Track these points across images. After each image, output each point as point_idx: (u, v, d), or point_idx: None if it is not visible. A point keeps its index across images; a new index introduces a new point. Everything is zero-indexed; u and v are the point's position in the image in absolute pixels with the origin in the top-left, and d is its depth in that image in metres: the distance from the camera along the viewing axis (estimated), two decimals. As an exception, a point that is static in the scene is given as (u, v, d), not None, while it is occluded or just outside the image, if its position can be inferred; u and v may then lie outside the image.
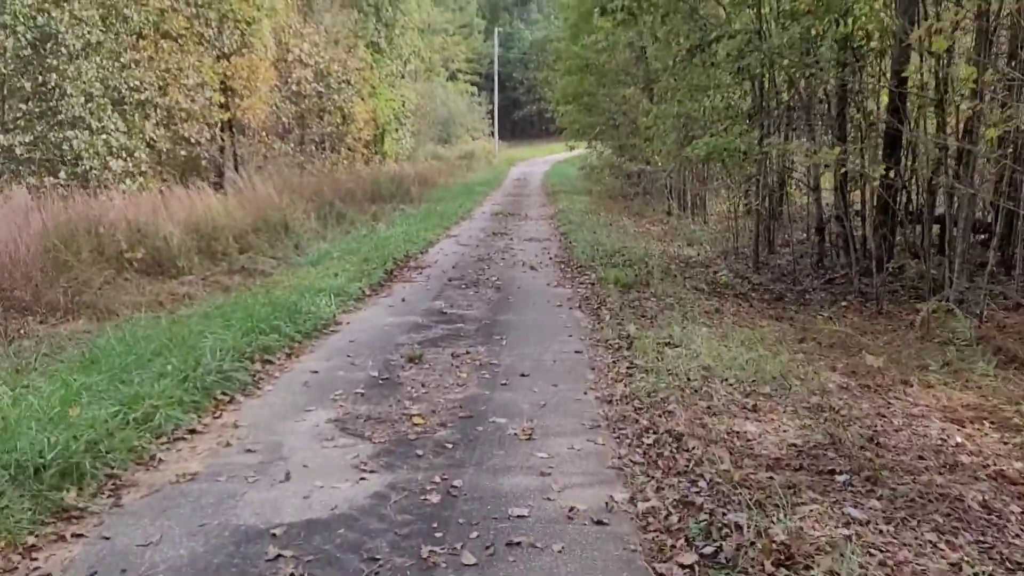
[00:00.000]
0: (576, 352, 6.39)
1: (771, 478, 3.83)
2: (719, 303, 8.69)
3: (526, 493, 3.73)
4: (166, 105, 16.03)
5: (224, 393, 5.13)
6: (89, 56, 13.78)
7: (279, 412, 4.92)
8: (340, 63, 25.02)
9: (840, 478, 3.87)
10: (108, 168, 13.57)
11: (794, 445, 4.32)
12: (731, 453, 4.15)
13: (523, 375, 5.72)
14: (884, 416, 5.04)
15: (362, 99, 27.67)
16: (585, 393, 5.31)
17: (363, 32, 28.91)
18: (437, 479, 3.88)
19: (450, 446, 4.33)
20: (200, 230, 12.04)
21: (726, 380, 5.51)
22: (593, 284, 9.32)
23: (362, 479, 3.89)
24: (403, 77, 32.59)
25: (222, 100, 18.11)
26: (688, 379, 5.46)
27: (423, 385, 5.46)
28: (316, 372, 5.80)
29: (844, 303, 8.92)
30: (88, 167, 13.36)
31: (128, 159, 14.09)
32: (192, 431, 4.53)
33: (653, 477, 3.87)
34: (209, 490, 3.76)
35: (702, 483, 3.76)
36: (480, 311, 8.01)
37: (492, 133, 44.39)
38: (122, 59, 14.54)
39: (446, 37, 43.90)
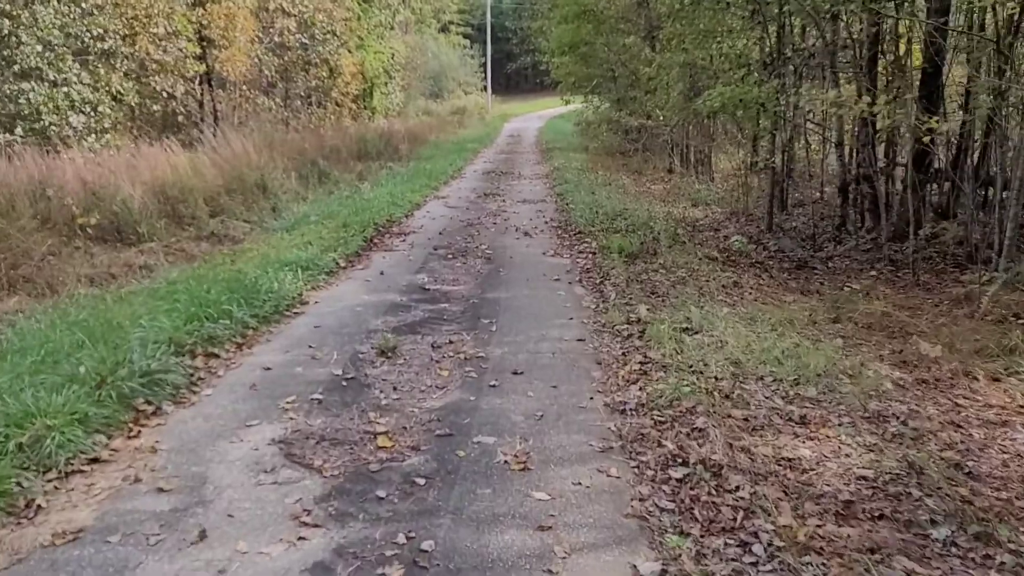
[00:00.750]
0: (578, 340, 5.34)
1: (846, 536, 2.82)
2: (736, 274, 7.64)
3: (520, 562, 2.72)
4: (135, 56, 14.71)
5: (148, 402, 4.08)
6: (46, 1, 12.43)
7: (212, 429, 3.88)
8: (326, 13, 23.48)
9: (937, 534, 2.87)
10: (68, 124, 12.32)
11: (864, 478, 3.30)
12: (786, 493, 3.14)
13: (516, 372, 4.68)
14: (959, 426, 4.04)
15: (349, 51, 26.17)
16: (591, 398, 4.29)
17: (350, -20, 27.22)
18: (401, 538, 2.86)
19: (421, 482, 3.30)
20: (167, 192, 10.88)
21: (761, 379, 4.49)
22: (594, 253, 8.24)
23: (301, 538, 2.86)
24: (392, 28, 30.93)
25: (197, 51, 16.73)
26: (716, 379, 4.44)
27: (395, 388, 4.42)
28: (269, 369, 4.75)
29: (873, 272, 7.88)
30: (47, 123, 12.11)
31: (91, 114, 12.83)
32: (94, 460, 3.49)
33: (689, 535, 2.86)
34: (92, 560, 2.74)
35: (757, 547, 2.74)
36: (467, 287, 6.94)
37: (485, 87, 42.76)
38: (83, 5, 13.17)
39: (437, -12, 41.97)
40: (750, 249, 9.26)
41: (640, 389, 4.34)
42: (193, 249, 9.62)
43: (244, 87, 19.90)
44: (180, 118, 16.93)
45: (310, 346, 5.19)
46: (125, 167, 11.20)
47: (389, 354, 4.98)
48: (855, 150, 9.10)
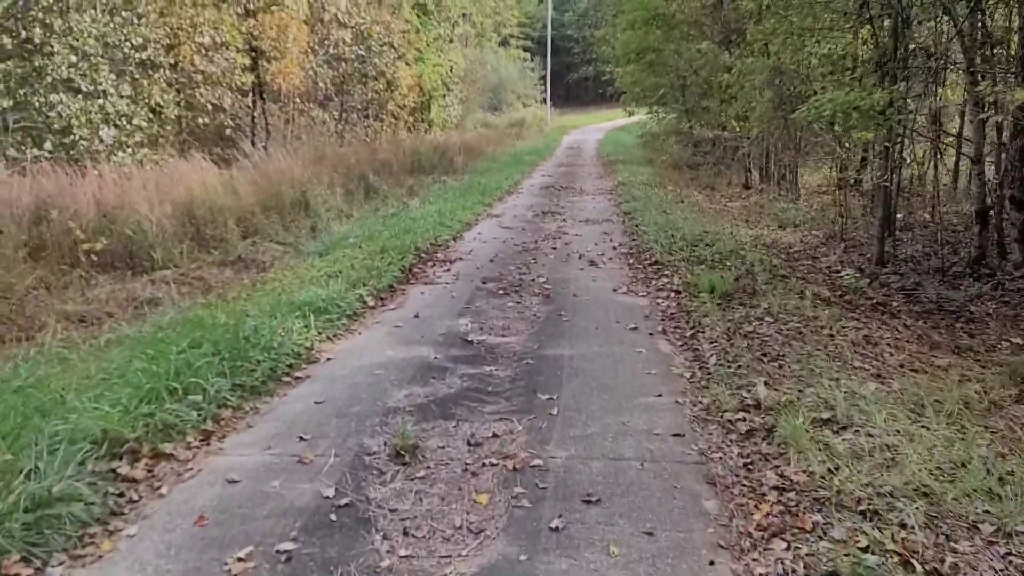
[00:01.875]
0: (675, 436, 3.67)
1: None
2: (862, 323, 5.85)
3: None
4: (177, 66, 13.66)
5: (27, 559, 2.60)
6: (82, 9, 11.40)
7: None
8: (383, 25, 22.33)
9: None
10: (99, 138, 11.23)
11: None
12: None
13: (589, 500, 3.04)
14: None
15: (407, 64, 25.03)
16: (712, 563, 2.63)
17: (409, -9, 26.10)
18: None
19: None
20: (193, 212, 9.62)
21: (976, 529, 2.76)
22: (678, 292, 6.54)
23: None
24: (451, 41, 29.74)
25: (247, 62, 15.65)
26: (906, 529, 2.73)
27: (406, 531, 2.84)
28: (234, 482, 3.23)
29: (1038, 322, 5.99)
30: (77, 136, 11.04)
31: (125, 127, 11.73)
32: None
33: None
34: None
35: None
36: (521, 338, 5.33)
37: (544, 99, 41.23)
38: (123, 13, 12.13)
39: (498, 1, 40.66)
40: (864, 285, 7.43)
41: (788, 549, 2.66)
42: (214, 277, 8.28)
43: (297, 99, 18.80)
44: (228, 131, 15.84)
45: (302, 437, 3.66)
46: (153, 184, 10.00)
47: (407, 457, 3.41)
48: (1005, 166, 7.19)
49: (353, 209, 12.97)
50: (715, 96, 15.02)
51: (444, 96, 28.63)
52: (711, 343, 5.08)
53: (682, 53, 15.80)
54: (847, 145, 10.46)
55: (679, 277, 6.93)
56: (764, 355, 4.84)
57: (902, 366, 4.88)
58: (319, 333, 5.22)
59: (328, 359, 4.86)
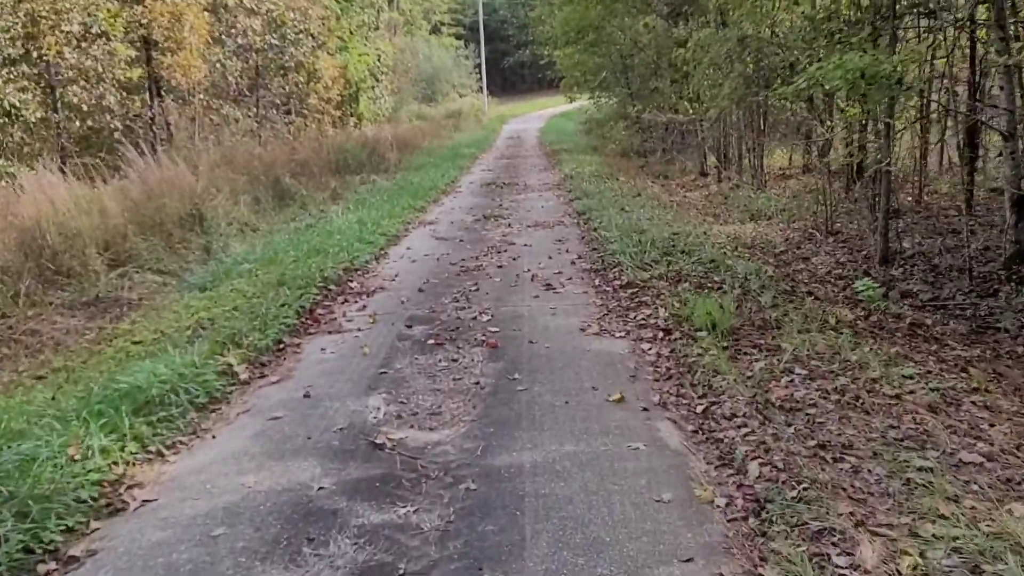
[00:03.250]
0: None
1: None
2: (912, 359, 4.23)
3: None
4: (40, 59, 11.36)
5: None
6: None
7: None
8: (299, 11, 20.06)
9: None
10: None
11: None
12: None
13: None
14: None
15: (329, 54, 22.78)
16: None
17: (328, -25, 23.78)
18: None
19: None
20: (45, 240, 7.49)
21: None
22: (667, 331, 4.79)
23: None
24: (377, 28, 27.52)
25: (131, 54, 13.34)
26: None
27: None
28: None
29: None
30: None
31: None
32: None
33: None
34: None
35: None
36: (457, 431, 3.50)
37: (481, 88, 39.25)
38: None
39: (426, -14, 38.45)
40: (880, 296, 5.84)
41: None
42: (56, 327, 6.22)
43: (202, 96, 16.45)
44: (117, 135, 13.49)
45: None
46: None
47: None
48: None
49: (262, 221, 10.92)
50: (665, 76, 13.39)
51: (373, 88, 26.45)
52: (738, 427, 3.36)
53: (626, 30, 14.11)
54: (829, 123, 8.92)
55: (665, 307, 5.19)
56: (821, 447, 3.13)
57: (1007, 436, 3.25)
58: (143, 448, 3.31)
59: (143, 503, 2.94)
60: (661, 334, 4.73)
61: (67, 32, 11.58)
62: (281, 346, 4.84)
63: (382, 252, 7.84)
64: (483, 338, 4.85)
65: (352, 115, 24.78)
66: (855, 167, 8.58)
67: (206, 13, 15.85)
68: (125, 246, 8.17)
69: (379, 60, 26.66)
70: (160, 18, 14.16)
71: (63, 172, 9.37)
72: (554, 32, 17.36)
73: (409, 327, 5.18)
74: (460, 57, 38.90)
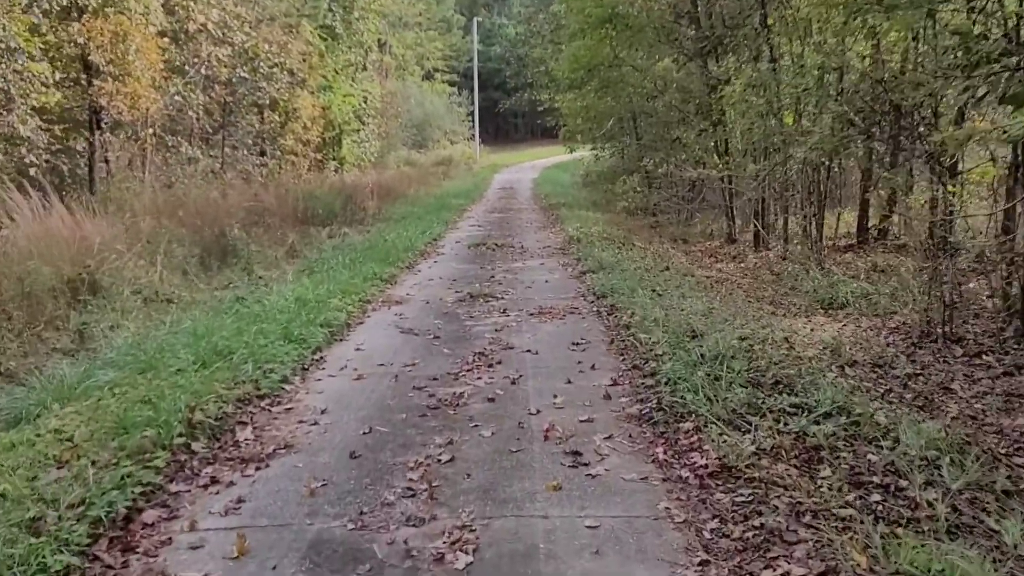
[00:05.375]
0: None
1: None
2: None
3: None
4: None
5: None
6: None
7: None
8: (277, 44, 17.65)
9: None
10: None
11: None
12: None
13: None
14: None
15: (310, 92, 20.37)
16: None
17: (313, 11, 21.49)
18: None
19: None
20: None
21: None
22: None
23: None
24: (365, 69, 25.21)
25: (47, 75, 10.72)
26: None
27: None
28: None
29: None
30: None
31: None
32: None
33: None
34: None
35: None
36: None
37: (473, 136, 37.03)
38: None
39: (420, 32, 36.39)
40: None
41: None
42: None
43: (152, 131, 13.82)
44: (33, 172, 10.76)
45: None
46: None
47: None
48: None
49: (185, 288, 8.19)
50: (693, 124, 10.94)
51: (358, 131, 24.02)
52: None
53: (644, 70, 11.69)
54: (951, 185, 6.36)
55: (818, 542, 2.50)
56: None
57: None
58: None
59: None
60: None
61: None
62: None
63: (315, 358, 5.10)
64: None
65: (334, 158, 22.30)
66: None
67: (161, 37, 13.31)
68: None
69: (366, 102, 24.31)
70: (99, 37, 11.62)
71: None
72: (558, 73, 14.95)
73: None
74: (453, 104, 36.76)
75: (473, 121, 37.02)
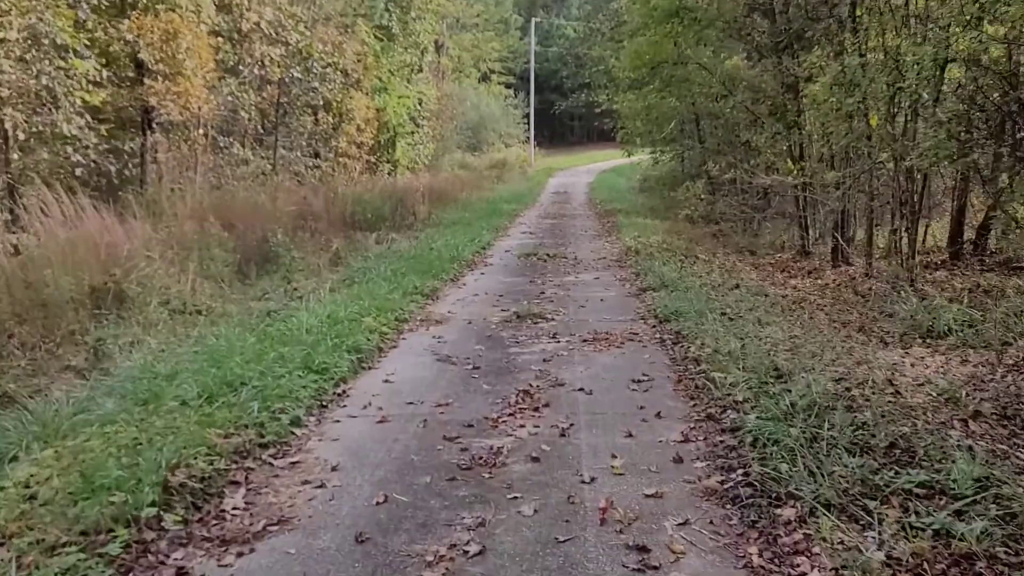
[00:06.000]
0: None
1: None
2: None
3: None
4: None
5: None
6: None
7: None
8: (331, 44, 17.25)
9: None
10: None
11: None
12: None
13: None
14: None
15: (364, 94, 19.94)
16: None
17: (369, 11, 21.07)
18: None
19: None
20: None
21: None
22: None
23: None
24: (421, 71, 24.69)
25: (93, 72, 10.39)
26: None
27: None
28: None
29: None
30: None
31: None
32: None
33: None
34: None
35: None
36: None
37: (528, 139, 36.25)
38: None
39: (477, 34, 35.83)
40: None
41: None
42: None
43: (202, 131, 13.50)
44: (80, 172, 10.50)
45: None
46: None
47: None
48: None
49: (218, 298, 7.66)
50: (766, 127, 9.92)
51: (413, 133, 23.53)
52: None
53: (712, 68, 10.71)
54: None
55: None
56: None
57: None
58: None
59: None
60: None
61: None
62: None
63: (337, 392, 4.40)
64: None
65: (387, 161, 21.85)
66: None
67: (214, 36, 12.98)
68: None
69: (420, 104, 23.80)
70: (149, 35, 11.28)
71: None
72: (618, 72, 14.03)
73: None
74: (508, 106, 36.06)
75: (529, 123, 36.27)
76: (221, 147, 14.33)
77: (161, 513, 2.79)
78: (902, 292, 7.28)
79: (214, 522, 2.83)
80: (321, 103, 17.50)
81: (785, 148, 9.93)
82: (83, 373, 5.40)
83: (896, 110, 7.54)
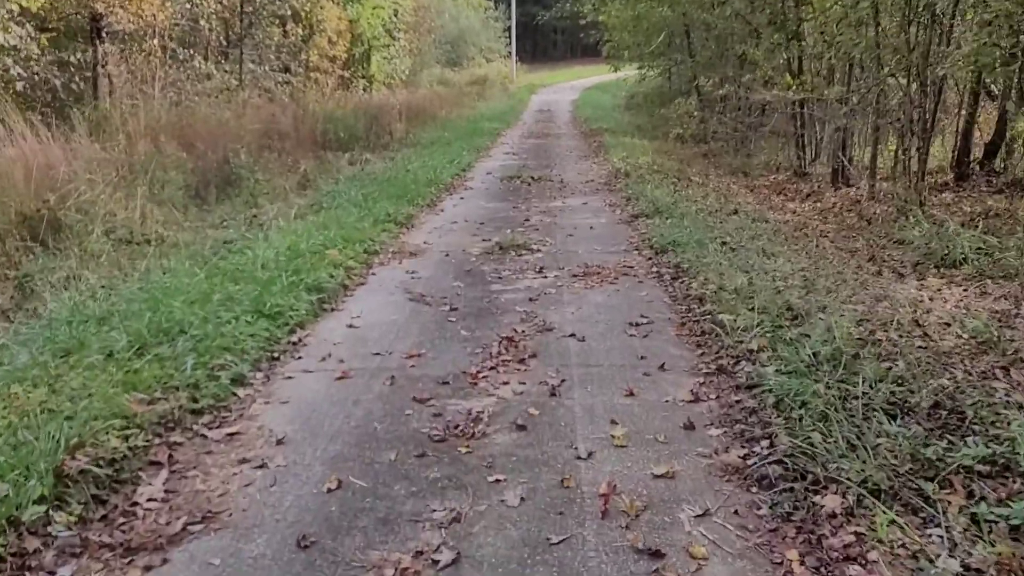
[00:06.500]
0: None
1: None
2: None
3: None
4: None
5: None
6: None
7: None
8: (298, -52, 15.78)
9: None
10: None
11: None
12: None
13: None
14: None
15: (336, 3, 18.51)
16: None
17: (337, -89, 19.26)
18: None
19: None
20: None
21: None
22: None
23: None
24: (395, -23, 22.93)
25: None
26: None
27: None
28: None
29: None
30: None
31: None
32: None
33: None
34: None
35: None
36: None
37: (510, 54, 34.54)
38: None
39: (456, -60, 33.45)
40: None
41: None
42: None
43: (156, 41, 12.27)
44: (22, 86, 9.48)
45: None
46: None
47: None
48: None
49: (172, 226, 6.89)
50: (764, 39, 9.04)
51: (388, 47, 22.07)
52: None
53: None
54: None
55: None
56: None
57: None
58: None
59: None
60: None
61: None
62: None
63: (292, 341, 3.76)
64: None
65: (363, 76, 20.51)
66: None
67: (163, -65, 11.64)
68: None
69: (396, 15, 22.21)
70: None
71: None
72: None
73: None
74: (489, 18, 34.10)
75: (510, 38, 34.45)
76: (181, 60, 13.14)
77: (51, 513, 2.17)
78: (911, 216, 6.67)
79: (120, 521, 2.24)
80: (289, 13, 16.15)
81: (783, 61, 9.09)
82: (8, 315, 4.72)
83: (912, 15, 6.75)
